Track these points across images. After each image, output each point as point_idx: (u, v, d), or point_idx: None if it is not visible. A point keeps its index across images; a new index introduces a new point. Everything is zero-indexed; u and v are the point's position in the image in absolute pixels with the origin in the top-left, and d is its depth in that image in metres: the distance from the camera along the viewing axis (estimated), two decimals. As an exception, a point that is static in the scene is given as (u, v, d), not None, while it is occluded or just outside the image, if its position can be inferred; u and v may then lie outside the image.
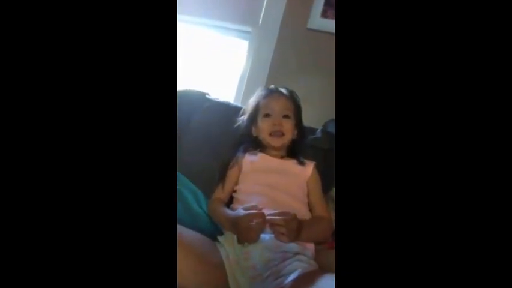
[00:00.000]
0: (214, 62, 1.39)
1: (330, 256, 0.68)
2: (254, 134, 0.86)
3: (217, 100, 1.01)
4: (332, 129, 0.97)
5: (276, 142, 0.80)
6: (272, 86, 0.90)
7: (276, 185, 0.75)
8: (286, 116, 0.82)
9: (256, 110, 0.85)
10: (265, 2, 1.23)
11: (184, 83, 1.15)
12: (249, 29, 1.29)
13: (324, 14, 1.11)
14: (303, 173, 0.79)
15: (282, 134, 0.80)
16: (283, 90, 0.87)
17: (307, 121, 0.92)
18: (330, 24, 1.10)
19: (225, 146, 0.90)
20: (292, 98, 0.86)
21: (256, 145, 0.85)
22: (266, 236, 0.65)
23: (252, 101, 0.87)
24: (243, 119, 0.89)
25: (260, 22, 1.24)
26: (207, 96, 1.01)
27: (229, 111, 0.96)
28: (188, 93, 1.01)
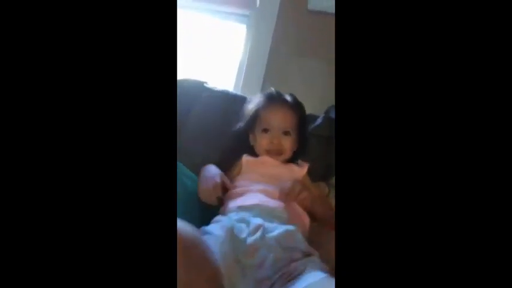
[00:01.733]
0: (212, 49, 1.35)
1: (331, 237, 0.67)
2: (251, 143, 0.81)
3: (216, 89, 0.98)
4: (334, 115, 0.94)
5: (273, 160, 0.77)
6: (273, 90, 0.83)
7: (273, 175, 0.74)
8: (286, 133, 0.77)
9: (254, 120, 0.80)
10: (262, -17, 1.18)
11: (182, 71, 1.12)
12: (246, 12, 1.24)
13: (325, -6, 1.06)
14: (299, 172, 0.78)
15: (280, 153, 0.77)
16: (286, 98, 0.81)
17: (308, 107, 0.89)
18: (332, 4, 1.05)
19: (225, 136, 0.88)
20: (295, 107, 0.80)
21: (254, 153, 0.80)
22: (273, 228, 0.60)
23: (251, 109, 0.81)
24: (240, 125, 0.84)
25: (258, 4, 1.19)
26: (205, 85, 0.98)
27: (229, 100, 0.93)
28: (186, 83, 0.98)
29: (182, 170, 0.85)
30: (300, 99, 0.91)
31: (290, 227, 0.59)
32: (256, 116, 0.79)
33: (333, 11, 1.03)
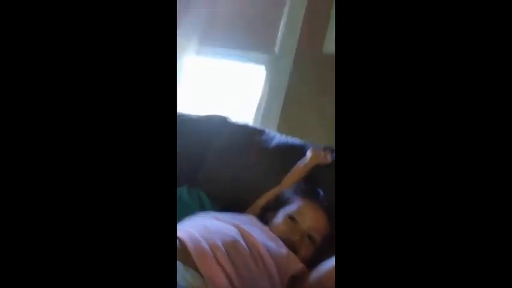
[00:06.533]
0: (233, 88, 1.46)
1: None
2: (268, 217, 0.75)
3: (237, 123, 1.06)
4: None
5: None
6: (321, 192, 0.79)
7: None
8: (311, 238, 0.70)
9: (286, 201, 0.76)
10: (280, 29, 1.31)
11: (206, 108, 1.22)
12: (265, 55, 1.36)
13: (338, 39, 1.16)
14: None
15: (295, 252, 0.66)
16: (327, 205, 0.74)
17: (326, 141, 0.94)
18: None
19: (246, 166, 0.93)
20: (332, 219, 0.73)
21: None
22: None
23: (288, 191, 0.79)
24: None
25: (276, 49, 1.31)
26: (227, 120, 1.07)
27: (248, 132, 1.01)
28: (210, 118, 1.07)
29: (203, 200, 0.90)
30: (314, 133, 0.97)
31: None
32: (289, 199, 0.76)
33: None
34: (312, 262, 0.68)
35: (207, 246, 0.58)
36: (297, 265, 0.64)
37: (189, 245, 0.57)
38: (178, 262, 0.54)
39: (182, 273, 0.54)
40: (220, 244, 0.59)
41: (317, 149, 0.89)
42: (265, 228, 0.71)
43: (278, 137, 0.99)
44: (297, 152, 0.93)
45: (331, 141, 0.98)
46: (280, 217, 0.73)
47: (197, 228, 0.61)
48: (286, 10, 1.30)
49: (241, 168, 0.93)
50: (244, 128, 1.04)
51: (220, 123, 1.05)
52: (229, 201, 0.88)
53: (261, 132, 1.02)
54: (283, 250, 0.64)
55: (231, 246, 0.59)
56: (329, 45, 1.18)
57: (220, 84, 1.48)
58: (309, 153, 0.88)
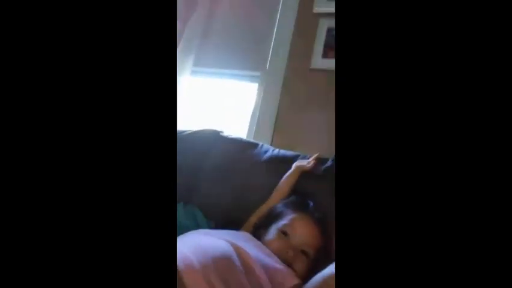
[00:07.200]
0: (228, 104, 1.50)
1: None
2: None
3: (231, 137, 1.08)
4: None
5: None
6: (311, 203, 0.79)
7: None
8: (305, 253, 0.70)
9: (277, 215, 0.76)
10: (271, 49, 1.36)
11: (202, 124, 1.25)
12: (257, 73, 1.41)
13: (324, 55, 1.21)
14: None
15: (289, 265, 0.66)
16: (320, 218, 0.75)
17: (318, 151, 0.96)
18: (331, 64, 1.19)
19: (239, 181, 0.95)
20: (326, 231, 0.74)
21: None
22: None
23: (279, 206, 0.79)
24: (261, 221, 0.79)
25: (267, 66, 1.36)
26: (221, 134, 1.09)
27: (242, 145, 1.03)
28: (204, 132, 1.09)
29: (198, 218, 0.89)
30: (306, 145, 0.99)
31: None
32: (281, 214, 0.76)
33: (332, 69, 1.17)
34: (308, 275, 0.67)
35: (197, 265, 0.56)
36: (293, 280, 0.63)
37: (179, 265, 0.55)
38: None
39: None
40: (211, 262, 0.57)
41: (302, 159, 0.90)
42: (260, 244, 0.71)
43: (271, 150, 1.01)
44: (290, 164, 0.94)
45: (324, 148, 1.01)
46: (272, 232, 0.73)
47: (189, 246, 0.60)
48: (275, 30, 1.36)
49: (235, 183, 0.94)
50: (238, 141, 1.06)
51: (214, 137, 1.07)
52: (224, 220, 0.88)
53: (254, 145, 1.04)
54: (279, 266, 0.64)
55: (223, 264, 0.58)
56: (316, 62, 1.23)
57: (214, 102, 1.52)
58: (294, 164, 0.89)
